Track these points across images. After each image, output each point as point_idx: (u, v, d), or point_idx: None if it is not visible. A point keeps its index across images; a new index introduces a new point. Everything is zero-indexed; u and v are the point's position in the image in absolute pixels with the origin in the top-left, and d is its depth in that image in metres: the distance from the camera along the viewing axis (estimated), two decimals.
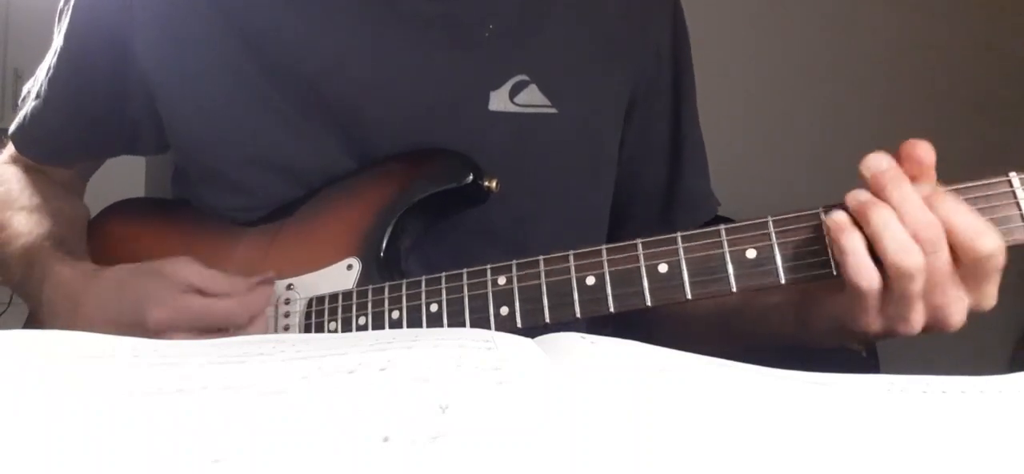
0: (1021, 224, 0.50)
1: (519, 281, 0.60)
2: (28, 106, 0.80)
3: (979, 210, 0.51)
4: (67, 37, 0.76)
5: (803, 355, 0.55)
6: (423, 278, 0.63)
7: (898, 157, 0.51)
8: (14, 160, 0.86)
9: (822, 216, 0.53)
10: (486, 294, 0.60)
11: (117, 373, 0.30)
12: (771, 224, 0.55)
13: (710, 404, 0.31)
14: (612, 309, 0.57)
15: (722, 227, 0.56)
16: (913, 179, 0.51)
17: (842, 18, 2.37)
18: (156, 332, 0.61)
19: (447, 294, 0.62)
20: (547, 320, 0.59)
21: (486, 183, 0.69)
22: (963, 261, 0.50)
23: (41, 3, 2.06)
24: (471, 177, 0.68)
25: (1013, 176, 0.51)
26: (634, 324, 0.61)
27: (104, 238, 0.81)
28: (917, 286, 0.50)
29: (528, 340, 0.37)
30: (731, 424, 0.30)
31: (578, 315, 0.58)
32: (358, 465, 0.24)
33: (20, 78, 2.29)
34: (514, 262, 0.60)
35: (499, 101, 0.73)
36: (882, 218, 0.50)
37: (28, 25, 2.26)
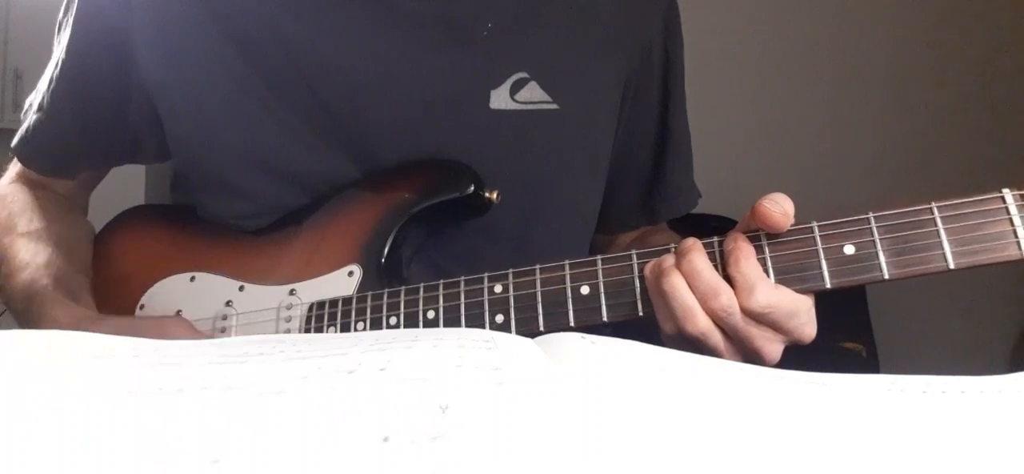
0: (1014, 241, 0.51)
1: (515, 289, 0.60)
2: (30, 119, 0.80)
3: (972, 226, 0.52)
4: (68, 47, 0.76)
5: (803, 355, 0.55)
6: (421, 285, 0.63)
7: (754, 212, 0.55)
8: (18, 178, 0.86)
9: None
10: (482, 301, 0.61)
11: (117, 373, 0.30)
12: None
13: (710, 404, 0.31)
14: (606, 318, 0.59)
15: (715, 239, 0.57)
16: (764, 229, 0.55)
17: (842, 18, 2.37)
18: None
19: (444, 301, 0.62)
20: (541, 328, 0.59)
21: (487, 194, 0.69)
22: (745, 315, 0.54)
23: (41, 3, 2.07)
24: (472, 188, 0.69)
25: (1006, 192, 0.52)
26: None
27: (114, 247, 0.81)
28: (713, 340, 0.54)
29: (528, 340, 0.37)
30: (731, 424, 0.30)
31: (572, 324, 0.59)
32: (358, 465, 0.24)
33: (20, 78, 2.29)
34: (510, 271, 0.61)
35: (500, 99, 0.73)
36: (671, 284, 0.54)
37: (28, 25, 2.26)
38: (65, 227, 0.81)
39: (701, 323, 0.54)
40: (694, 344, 0.55)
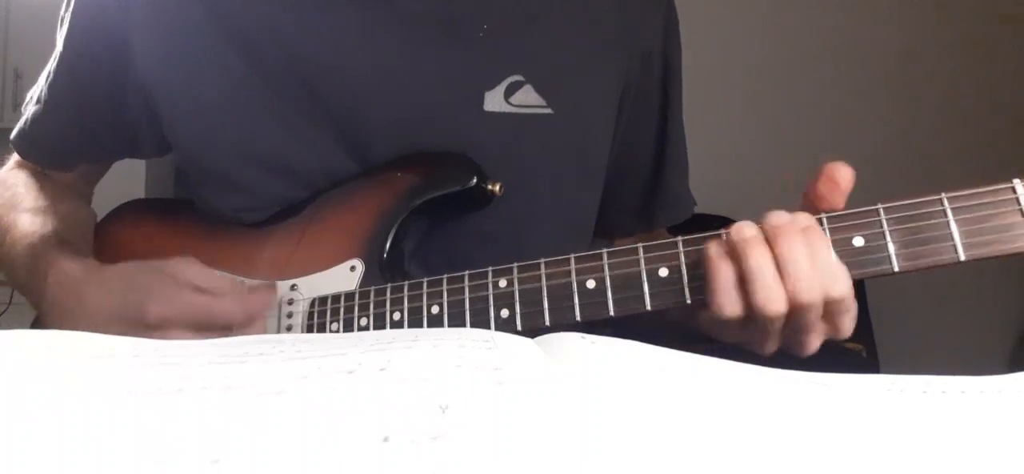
0: None
1: (520, 283, 0.60)
2: (29, 111, 0.81)
3: (983, 217, 0.51)
4: (67, 42, 0.76)
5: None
6: (425, 280, 0.63)
7: (819, 174, 0.54)
8: (20, 166, 0.86)
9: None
10: (487, 296, 0.61)
11: (117, 373, 0.30)
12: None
13: (710, 404, 0.31)
14: (612, 313, 0.58)
15: (723, 232, 0.56)
16: (823, 200, 0.54)
17: (843, 18, 2.37)
18: (155, 327, 0.61)
19: (448, 296, 0.62)
20: (547, 323, 0.59)
21: (489, 186, 0.69)
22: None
23: (41, 3, 2.07)
24: (475, 180, 0.68)
25: (1017, 183, 0.51)
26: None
27: (112, 240, 0.81)
28: (778, 324, 0.53)
29: (528, 340, 0.37)
30: (731, 424, 0.30)
31: (578, 318, 0.58)
32: (358, 465, 0.24)
33: (20, 78, 2.29)
34: (515, 265, 0.61)
35: (494, 101, 0.73)
36: (757, 261, 0.52)
37: (28, 25, 2.26)
38: (69, 206, 0.81)
39: (780, 306, 0.52)
40: (742, 326, 0.54)
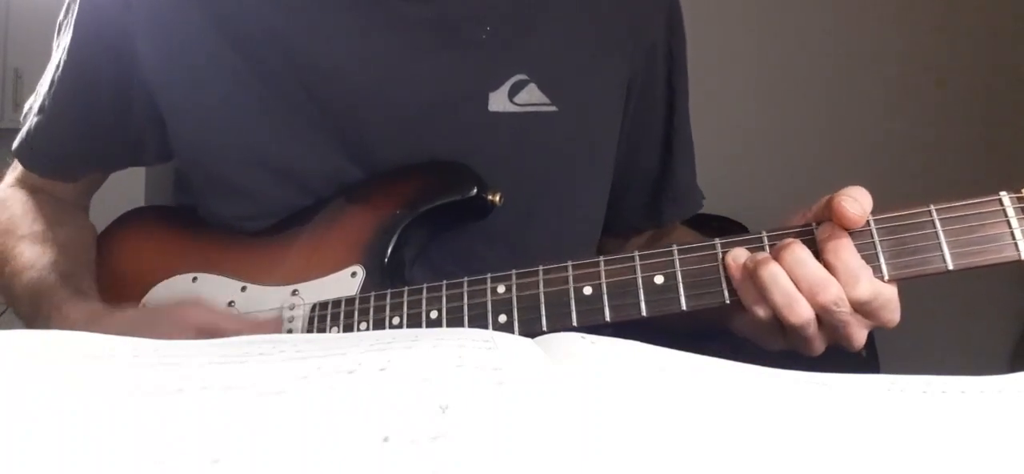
0: (1011, 242, 0.52)
1: (518, 290, 0.61)
2: (31, 121, 0.80)
3: (970, 228, 0.53)
4: (70, 49, 0.76)
5: (803, 355, 0.56)
6: (424, 286, 0.64)
7: (830, 205, 0.54)
8: (17, 182, 0.85)
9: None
10: (485, 302, 0.61)
11: (117, 373, 0.30)
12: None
13: (710, 404, 0.31)
14: (608, 319, 0.59)
15: (717, 241, 0.57)
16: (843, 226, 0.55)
17: (843, 18, 2.37)
18: None
19: (447, 301, 0.62)
20: (544, 329, 0.60)
21: (490, 196, 0.69)
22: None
23: (41, 3, 2.06)
24: (475, 190, 0.69)
25: (1003, 195, 0.53)
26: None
27: (116, 250, 0.81)
28: (810, 329, 0.54)
29: (528, 340, 0.37)
30: (731, 424, 0.30)
31: (575, 324, 0.59)
32: (358, 465, 0.24)
33: (20, 78, 2.29)
34: (514, 271, 0.61)
35: (499, 101, 0.73)
36: (771, 274, 0.54)
37: (28, 25, 2.26)
38: (67, 229, 0.81)
39: (804, 312, 0.54)
40: (788, 332, 0.55)
